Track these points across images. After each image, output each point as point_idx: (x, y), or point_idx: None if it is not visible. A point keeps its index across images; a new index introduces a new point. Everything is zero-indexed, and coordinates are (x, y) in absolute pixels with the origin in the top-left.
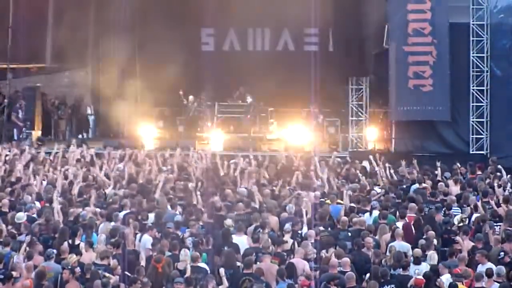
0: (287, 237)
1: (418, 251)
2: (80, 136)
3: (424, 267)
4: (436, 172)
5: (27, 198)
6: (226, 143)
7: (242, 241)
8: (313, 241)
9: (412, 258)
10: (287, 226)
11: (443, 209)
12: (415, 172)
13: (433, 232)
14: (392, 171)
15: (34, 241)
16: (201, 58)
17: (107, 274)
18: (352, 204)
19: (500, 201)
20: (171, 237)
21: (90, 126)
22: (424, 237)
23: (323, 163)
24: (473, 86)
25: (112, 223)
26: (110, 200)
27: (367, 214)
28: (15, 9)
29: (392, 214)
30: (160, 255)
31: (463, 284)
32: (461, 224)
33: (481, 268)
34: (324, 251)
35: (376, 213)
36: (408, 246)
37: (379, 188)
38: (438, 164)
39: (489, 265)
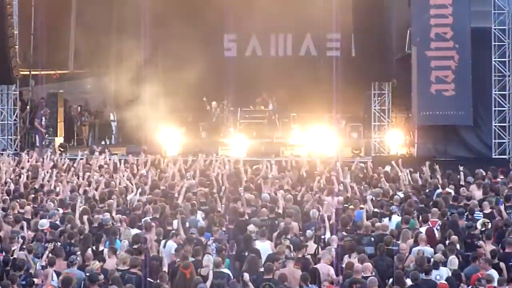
0: (310, 243)
1: (438, 256)
2: (102, 142)
3: (444, 271)
4: (458, 176)
5: (50, 205)
6: (249, 149)
7: (265, 247)
8: (336, 246)
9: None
10: (309, 232)
11: (466, 214)
12: (438, 176)
13: (456, 237)
14: (415, 175)
15: (57, 247)
16: (223, 64)
17: None
18: (375, 209)
19: None
20: (194, 243)
21: (113, 132)
22: (447, 242)
23: (346, 168)
24: (495, 91)
25: (135, 229)
26: (133, 206)
27: (387, 219)
28: (37, 15)
29: (415, 218)
30: (188, 261)
31: None
32: (483, 228)
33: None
34: (347, 256)
35: (395, 218)
36: (432, 250)
37: (402, 193)
38: (461, 168)
39: None
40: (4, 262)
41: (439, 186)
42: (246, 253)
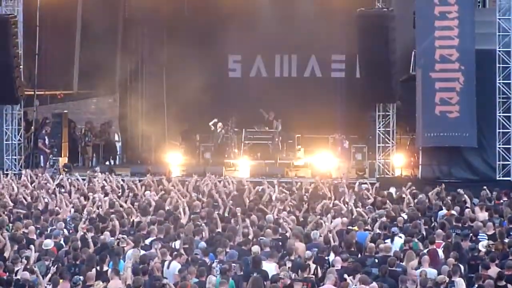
0: (309, 263)
1: (441, 277)
2: (107, 163)
3: None
4: (463, 198)
5: (54, 225)
6: (253, 170)
7: (271, 268)
8: (339, 267)
9: (435, 284)
10: (308, 252)
11: (470, 235)
12: (442, 198)
13: (452, 259)
14: (419, 197)
15: (61, 268)
16: (228, 84)
17: None
18: (379, 231)
19: None
20: (198, 263)
21: (117, 152)
22: (451, 263)
23: (350, 189)
24: (499, 113)
25: (139, 250)
26: (137, 226)
27: (389, 240)
28: (42, 36)
29: (419, 240)
30: (185, 282)
31: None
32: (487, 250)
33: None
34: (351, 277)
35: (398, 239)
36: (435, 272)
37: (406, 214)
38: (461, 191)
39: None
40: (8, 283)
41: (443, 207)
42: (255, 274)
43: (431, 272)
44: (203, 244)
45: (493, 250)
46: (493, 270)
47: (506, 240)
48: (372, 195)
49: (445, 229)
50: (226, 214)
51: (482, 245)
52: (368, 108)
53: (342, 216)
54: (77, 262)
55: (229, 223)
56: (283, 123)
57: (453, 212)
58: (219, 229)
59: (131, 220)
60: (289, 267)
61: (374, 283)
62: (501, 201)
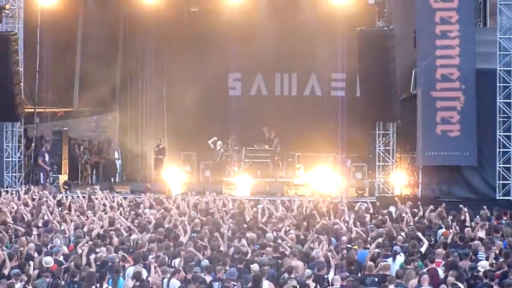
0: (309, 282)
1: None
2: (106, 180)
3: None
4: (463, 217)
5: (55, 242)
6: (253, 188)
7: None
8: (339, 286)
9: None
10: (308, 271)
11: (470, 254)
12: (443, 217)
13: (452, 278)
14: (419, 216)
15: (61, 285)
16: (228, 102)
17: None
18: (378, 250)
19: None
20: (198, 281)
21: (117, 170)
22: (451, 282)
23: (350, 208)
24: (499, 132)
25: (139, 268)
26: (137, 244)
27: (390, 259)
28: (42, 53)
29: (419, 259)
30: None
31: None
32: (487, 269)
33: None
34: None
35: (399, 258)
36: None
37: (405, 233)
38: (465, 209)
39: None
40: None
41: (443, 226)
42: None
43: None
44: (205, 262)
45: (494, 269)
46: None
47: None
48: (371, 214)
49: (445, 248)
50: (226, 232)
51: (481, 266)
52: (368, 126)
53: (342, 235)
54: (76, 279)
55: (231, 241)
56: (283, 141)
57: (452, 230)
58: (222, 248)
59: (131, 238)
60: (289, 285)
61: None
62: (501, 220)
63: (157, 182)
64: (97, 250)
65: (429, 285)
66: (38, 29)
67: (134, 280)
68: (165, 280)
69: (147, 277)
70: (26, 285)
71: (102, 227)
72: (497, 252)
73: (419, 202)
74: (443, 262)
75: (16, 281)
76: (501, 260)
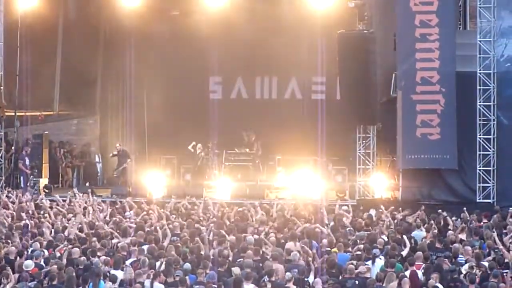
0: (289, 285)
1: None
2: (87, 184)
3: None
4: (442, 220)
5: (35, 245)
6: (233, 191)
7: None
8: None
9: None
10: (288, 274)
11: (450, 257)
12: (423, 220)
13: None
14: (399, 219)
15: None
16: (208, 106)
17: None
18: (359, 252)
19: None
20: (180, 284)
21: (98, 174)
22: (432, 284)
23: (330, 211)
24: (480, 135)
25: (119, 271)
26: (117, 248)
27: (370, 262)
28: (22, 57)
29: (398, 262)
30: None
31: None
32: (468, 272)
33: None
34: None
35: (378, 261)
36: None
37: (386, 236)
38: (444, 213)
39: None
40: None
41: (423, 229)
42: None
43: None
44: (188, 265)
45: (475, 271)
46: None
47: (486, 263)
48: (352, 217)
49: (424, 251)
50: (207, 236)
51: (464, 269)
52: (349, 130)
53: (322, 238)
54: (56, 283)
55: (211, 244)
56: (264, 144)
57: (432, 233)
58: (202, 251)
59: (112, 241)
60: None
61: None
62: (481, 223)
63: (137, 186)
64: (77, 253)
65: None
66: (19, 32)
67: (112, 283)
68: (148, 283)
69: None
70: None
71: (82, 230)
72: (475, 255)
73: (399, 206)
74: (423, 265)
75: None
76: (481, 262)
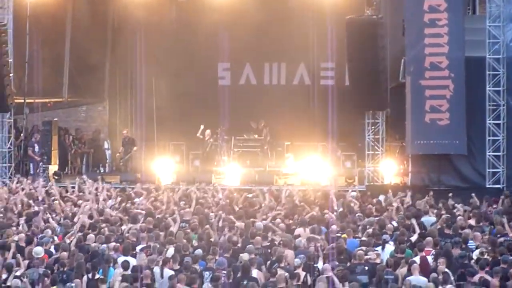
0: (299, 271)
1: (431, 285)
2: (97, 170)
3: None
4: (452, 204)
5: (45, 232)
6: (242, 177)
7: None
8: (329, 275)
9: None
10: (297, 260)
11: (460, 243)
12: (432, 205)
13: (442, 267)
14: (408, 204)
15: (52, 275)
16: (217, 92)
17: None
18: (367, 238)
19: None
20: (190, 270)
21: (107, 160)
22: (442, 270)
23: (340, 197)
24: (489, 120)
25: (129, 258)
26: (127, 234)
27: (380, 247)
28: (31, 44)
29: (408, 247)
30: None
31: None
32: (479, 257)
33: None
34: (340, 285)
35: (388, 247)
36: (425, 280)
37: (396, 222)
38: (451, 196)
39: None
40: None
41: (432, 214)
42: (245, 282)
43: (421, 280)
44: (199, 251)
45: (486, 257)
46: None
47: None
48: (361, 203)
49: (434, 237)
50: (216, 222)
51: (475, 254)
52: (358, 115)
53: (331, 224)
54: (66, 269)
55: (220, 231)
56: (273, 130)
57: (442, 218)
58: (212, 238)
59: (121, 228)
60: (282, 274)
61: None
62: (491, 209)
63: (146, 172)
64: (88, 240)
65: (419, 273)
66: (28, 20)
67: (123, 270)
68: (157, 269)
69: (135, 266)
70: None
71: (92, 217)
72: (488, 240)
73: (408, 191)
74: (433, 251)
75: (11, 271)
76: (490, 248)
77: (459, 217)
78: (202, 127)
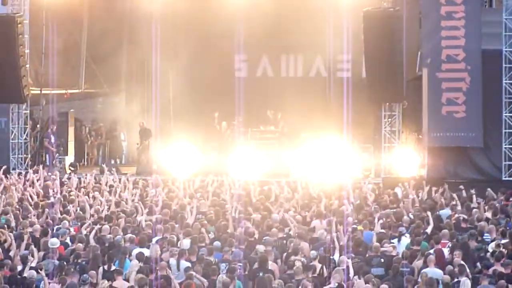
0: (315, 263)
1: (446, 277)
2: (113, 162)
3: None
4: (468, 197)
5: (63, 224)
6: (259, 169)
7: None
8: (345, 267)
9: (441, 285)
10: (313, 252)
11: (476, 236)
12: (448, 198)
13: (458, 259)
14: (424, 197)
15: (67, 266)
16: (234, 84)
17: None
18: (384, 230)
19: None
20: (204, 262)
21: (123, 152)
22: (458, 263)
23: (356, 189)
24: (505, 113)
25: (145, 249)
26: (143, 225)
27: (396, 240)
28: (48, 35)
29: (424, 240)
30: (189, 281)
31: None
32: (495, 250)
33: None
34: (356, 277)
35: (405, 239)
36: (441, 272)
37: (412, 214)
38: (472, 191)
39: None
40: (10, 281)
41: (448, 207)
42: (261, 274)
43: (436, 272)
44: (218, 243)
45: (502, 250)
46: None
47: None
48: (377, 195)
49: (450, 229)
50: (233, 214)
51: (490, 247)
52: (374, 108)
53: (348, 216)
54: (80, 261)
55: (236, 223)
56: (289, 122)
57: (458, 210)
58: (228, 229)
59: (137, 219)
60: (299, 266)
61: (385, 284)
62: (508, 201)
63: (162, 164)
64: (103, 231)
65: (435, 265)
66: (44, 10)
67: (139, 261)
68: (173, 261)
69: (150, 257)
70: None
71: (108, 208)
72: (506, 233)
73: (425, 183)
74: (449, 243)
75: (26, 262)
76: (506, 241)
77: (475, 210)
78: (216, 115)
